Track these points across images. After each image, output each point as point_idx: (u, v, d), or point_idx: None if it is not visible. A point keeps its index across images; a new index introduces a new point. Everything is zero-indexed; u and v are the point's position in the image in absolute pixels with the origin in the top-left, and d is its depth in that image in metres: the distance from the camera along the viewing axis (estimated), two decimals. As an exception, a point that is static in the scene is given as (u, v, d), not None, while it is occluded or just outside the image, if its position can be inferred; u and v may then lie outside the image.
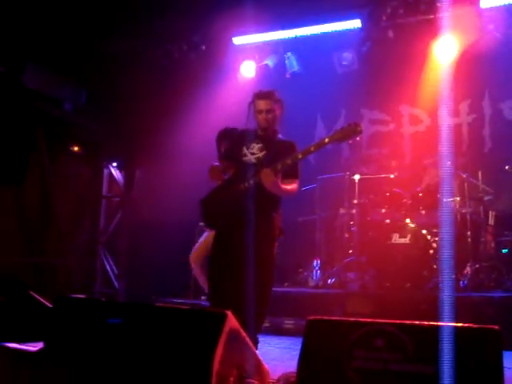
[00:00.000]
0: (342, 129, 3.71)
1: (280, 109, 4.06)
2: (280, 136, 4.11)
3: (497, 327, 2.22)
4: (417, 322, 2.37)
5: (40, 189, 7.28)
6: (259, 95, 4.02)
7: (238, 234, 3.82)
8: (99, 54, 7.40)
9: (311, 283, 6.39)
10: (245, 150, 3.99)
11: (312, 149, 3.77)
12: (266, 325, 5.91)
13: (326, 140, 3.73)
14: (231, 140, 4.38)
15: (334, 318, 2.57)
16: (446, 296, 3.44)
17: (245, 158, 3.96)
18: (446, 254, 4.12)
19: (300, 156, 3.76)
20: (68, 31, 6.90)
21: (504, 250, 6.10)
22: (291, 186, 3.88)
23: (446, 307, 3.04)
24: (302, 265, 6.74)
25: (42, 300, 4.02)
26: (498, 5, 6.46)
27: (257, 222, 3.74)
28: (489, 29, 6.51)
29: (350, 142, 5.22)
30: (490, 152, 7.00)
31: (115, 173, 8.58)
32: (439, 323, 2.33)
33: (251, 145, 3.99)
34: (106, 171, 8.58)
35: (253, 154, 3.96)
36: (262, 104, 3.97)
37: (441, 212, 5.40)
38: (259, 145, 3.99)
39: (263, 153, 3.94)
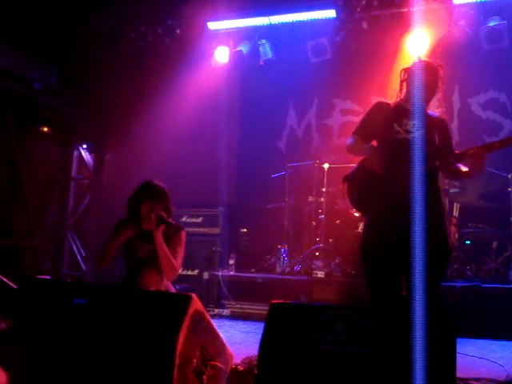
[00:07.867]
0: None
1: None
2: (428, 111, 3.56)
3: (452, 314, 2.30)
4: (376, 307, 2.44)
5: (8, 169, 7.17)
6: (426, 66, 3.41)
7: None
8: (72, 35, 7.28)
9: (278, 269, 6.43)
10: (397, 127, 3.41)
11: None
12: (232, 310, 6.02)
13: None
14: (382, 116, 3.60)
15: (296, 302, 2.61)
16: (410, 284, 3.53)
17: (398, 136, 3.39)
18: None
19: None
20: (40, 9, 6.77)
21: (467, 242, 6.26)
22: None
23: (411, 295, 3.12)
24: (269, 251, 6.78)
25: (7, 281, 3.99)
26: (469, 1, 6.58)
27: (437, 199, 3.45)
28: (460, 25, 6.60)
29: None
30: (457, 145, 7.10)
31: (85, 155, 8.50)
32: (397, 309, 2.41)
33: (403, 121, 3.40)
34: (75, 153, 8.50)
35: (407, 131, 3.37)
36: (427, 77, 3.33)
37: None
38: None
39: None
